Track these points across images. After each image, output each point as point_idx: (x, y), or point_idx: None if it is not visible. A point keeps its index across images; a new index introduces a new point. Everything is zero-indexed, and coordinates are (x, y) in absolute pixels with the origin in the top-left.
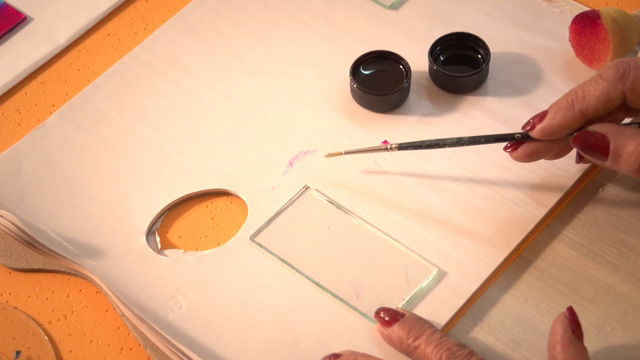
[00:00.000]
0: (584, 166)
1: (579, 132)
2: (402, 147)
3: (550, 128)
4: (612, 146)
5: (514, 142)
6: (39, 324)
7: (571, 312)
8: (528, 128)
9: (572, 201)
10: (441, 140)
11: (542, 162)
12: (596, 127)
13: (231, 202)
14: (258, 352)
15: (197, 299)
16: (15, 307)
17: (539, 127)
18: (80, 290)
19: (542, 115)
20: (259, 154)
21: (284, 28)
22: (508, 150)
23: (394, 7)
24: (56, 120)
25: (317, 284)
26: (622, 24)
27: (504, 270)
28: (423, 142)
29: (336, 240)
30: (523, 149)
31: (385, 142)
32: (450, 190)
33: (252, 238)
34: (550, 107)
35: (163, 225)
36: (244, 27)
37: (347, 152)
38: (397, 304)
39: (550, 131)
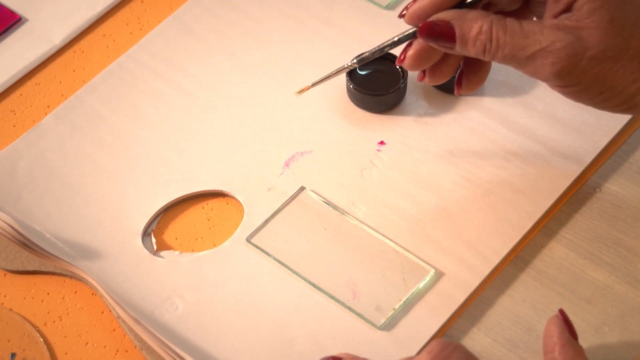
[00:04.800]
0: (581, 166)
1: (424, 23)
2: (360, 59)
3: (419, 10)
4: (457, 32)
5: (403, 53)
6: (34, 326)
7: (563, 314)
8: (403, 12)
9: (569, 202)
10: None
11: (539, 163)
12: (440, 15)
13: (227, 203)
14: (254, 353)
15: (193, 301)
16: (10, 309)
17: (410, 10)
18: (76, 292)
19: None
20: (255, 154)
21: (281, 28)
22: (400, 63)
23: (390, 7)
24: (52, 120)
25: (314, 285)
26: None
27: (501, 271)
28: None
29: (333, 241)
30: (410, 55)
31: (381, 142)
32: (446, 191)
33: (249, 239)
34: None
35: (159, 227)
36: (240, 28)
37: (314, 84)
38: (394, 305)
39: (420, 13)
